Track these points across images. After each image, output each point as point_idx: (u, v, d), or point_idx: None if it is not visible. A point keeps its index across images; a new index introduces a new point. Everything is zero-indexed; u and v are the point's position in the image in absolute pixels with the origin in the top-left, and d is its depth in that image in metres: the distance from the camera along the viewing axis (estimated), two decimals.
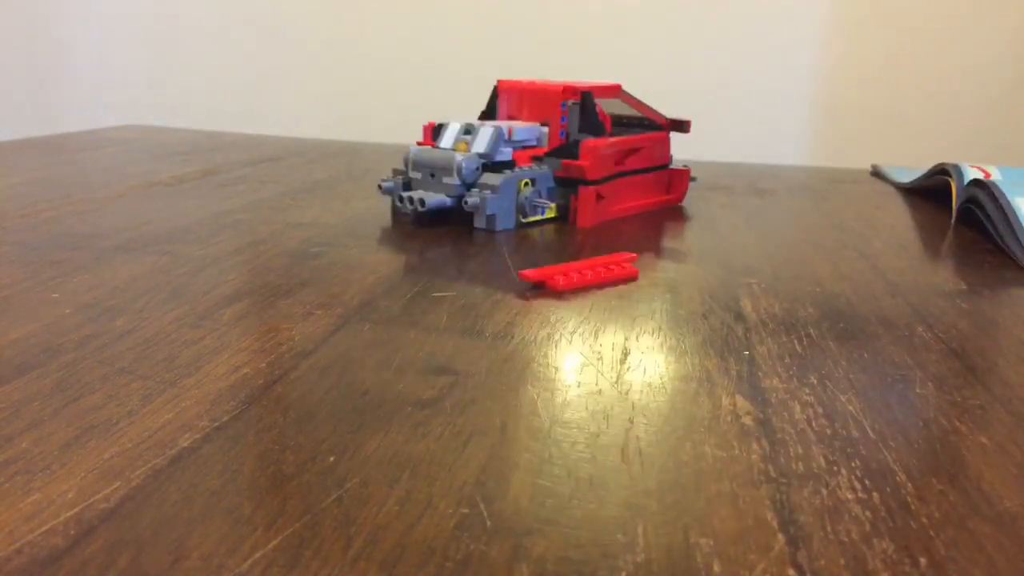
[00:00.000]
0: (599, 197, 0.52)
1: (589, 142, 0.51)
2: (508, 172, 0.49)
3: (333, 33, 1.29)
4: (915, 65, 1.16)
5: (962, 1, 1.13)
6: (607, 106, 0.58)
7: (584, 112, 0.52)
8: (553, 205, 0.51)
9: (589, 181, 0.51)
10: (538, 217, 0.51)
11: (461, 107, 1.21)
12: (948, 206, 0.63)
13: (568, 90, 0.52)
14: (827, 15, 1.17)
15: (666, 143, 0.58)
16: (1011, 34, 1.12)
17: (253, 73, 1.32)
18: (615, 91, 0.55)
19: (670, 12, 1.17)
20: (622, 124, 0.59)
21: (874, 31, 1.16)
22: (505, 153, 0.51)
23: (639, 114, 0.57)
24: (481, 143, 0.50)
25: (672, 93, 1.17)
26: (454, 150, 0.50)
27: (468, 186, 0.49)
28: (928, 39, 1.15)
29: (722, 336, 0.33)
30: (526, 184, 0.50)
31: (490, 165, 0.50)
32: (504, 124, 0.52)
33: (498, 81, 0.57)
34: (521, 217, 0.50)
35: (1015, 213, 0.50)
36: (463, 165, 0.49)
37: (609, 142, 0.52)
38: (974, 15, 1.12)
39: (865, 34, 1.17)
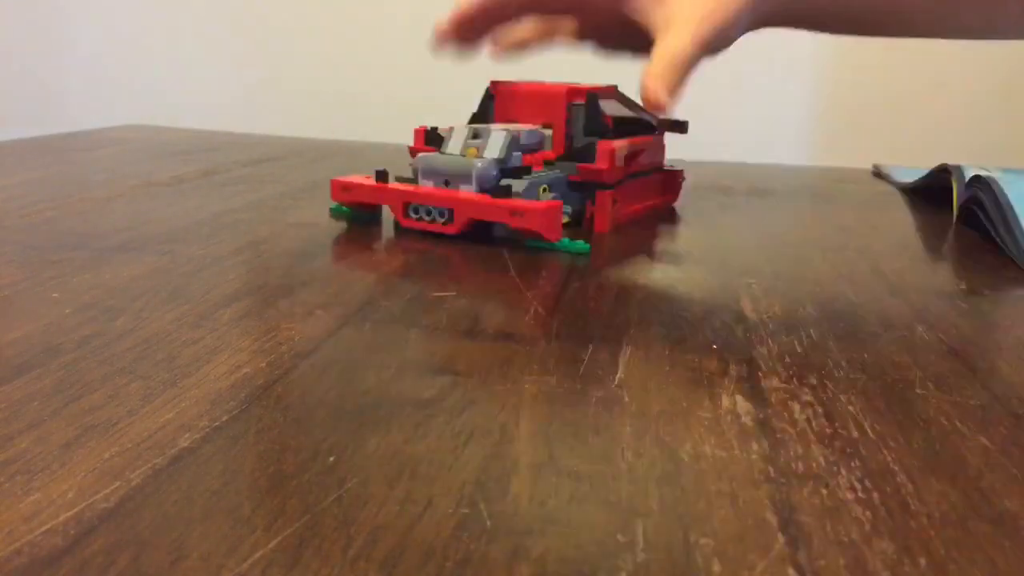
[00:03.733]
0: (614, 201, 0.51)
1: (605, 144, 0.50)
2: (526, 178, 0.47)
3: (333, 33, 1.29)
4: (915, 64, 1.16)
5: None
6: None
7: (590, 114, 0.52)
8: (569, 210, 0.50)
9: (607, 185, 0.50)
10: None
11: (461, 107, 1.21)
12: (949, 207, 0.63)
13: (573, 92, 0.52)
14: None
15: (662, 144, 0.58)
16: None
17: (253, 73, 1.32)
18: (610, 92, 0.54)
19: None
20: (617, 126, 0.58)
21: None
22: (516, 158, 0.49)
23: (633, 115, 0.56)
24: (494, 148, 0.48)
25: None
26: (464, 156, 0.48)
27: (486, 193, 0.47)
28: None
29: (722, 336, 0.33)
30: (544, 190, 0.48)
31: (514, 170, 0.48)
32: (513, 128, 0.50)
33: (491, 82, 0.56)
34: None
35: (1015, 215, 0.50)
36: (483, 173, 0.46)
37: (622, 144, 0.51)
38: None
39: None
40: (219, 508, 0.20)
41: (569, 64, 1.16)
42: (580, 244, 0.45)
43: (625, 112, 0.56)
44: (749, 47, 1.29)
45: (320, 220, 0.51)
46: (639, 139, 0.54)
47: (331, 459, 0.22)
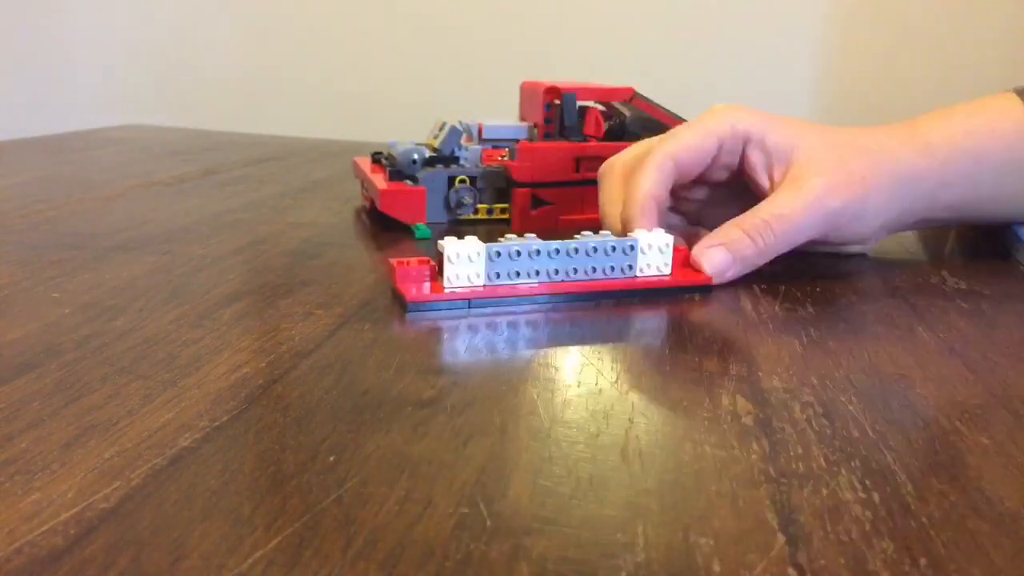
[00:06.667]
0: (543, 202, 0.51)
1: (525, 144, 0.50)
2: (440, 166, 0.51)
3: (333, 33, 1.29)
4: (915, 66, 1.16)
5: (960, 0, 1.13)
6: (630, 110, 0.56)
7: (562, 114, 0.52)
8: (484, 205, 0.52)
9: (520, 183, 0.50)
10: (471, 215, 0.51)
11: (460, 106, 1.21)
12: None
13: (551, 90, 0.52)
14: (827, 16, 1.17)
15: None
16: (1009, 33, 1.12)
17: (253, 73, 1.32)
18: (628, 94, 0.54)
19: (670, 14, 1.17)
20: (628, 129, 0.56)
21: (874, 31, 1.16)
22: (472, 151, 0.52)
23: (654, 120, 0.55)
24: (441, 138, 0.52)
25: (672, 94, 1.17)
26: (425, 145, 0.52)
27: (411, 177, 0.51)
28: (927, 39, 1.15)
29: (722, 336, 0.33)
30: (461, 180, 0.51)
31: (443, 159, 0.51)
32: (476, 122, 0.52)
33: (522, 83, 0.56)
34: (450, 213, 0.51)
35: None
36: (398, 155, 0.51)
37: (555, 146, 0.50)
38: (972, 14, 1.12)
39: (865, 34, 1.17)
40: (219, 508, 0.20)
41: (579, 64, 1.16)
42: (422, 229, 0.48)
43: (643, 115, 0.55)
44: (748, 47, 1.29)
45: (320, 220, 0.51)
46: (602, 144, 0.52)
47: (331, 459, 0.22)
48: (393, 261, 0.36)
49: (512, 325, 0.34)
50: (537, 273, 0.37)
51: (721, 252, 0.40)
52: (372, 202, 0.51)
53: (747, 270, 0.40)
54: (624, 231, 0.41)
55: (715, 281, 0.39)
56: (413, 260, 0.36)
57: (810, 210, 0.40)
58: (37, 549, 0.18)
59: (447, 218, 0.51)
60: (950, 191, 0.44)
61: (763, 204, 0.41)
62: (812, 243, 0.42)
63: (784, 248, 0.41)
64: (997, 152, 0.44)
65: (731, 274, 0.40)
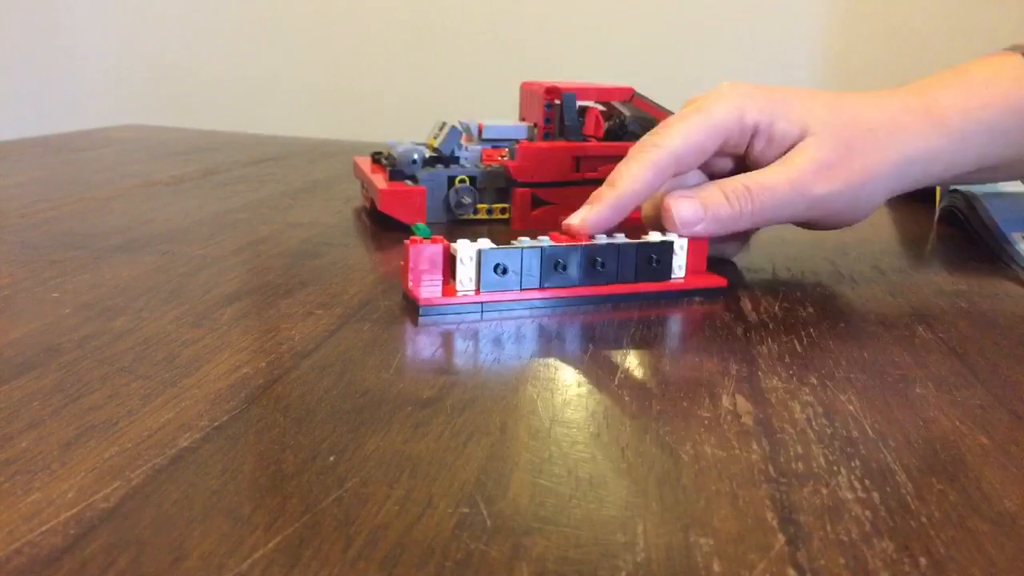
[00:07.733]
0: (543, 202, 0.51)
1: (525, 144, 0.51)
2: (440, 166, 0.51)
3: (333, 33, 1.29)
4: (914, 66, 1.17)
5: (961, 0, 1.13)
6: (630, 110, 0.56)
7: (562, 114, 0.52)
8: (484, 205, 0.51)
9: (520, 183, 0.50)
10: (471, 215, 0.51)
11: (459, 105, 1.21)
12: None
13: (551, 91, 0.52)
14: (827, 14, 1.17)
15: None
16: (1010, 33, 1.12)
17: (253, 73, 1.32)
18: (627, 94, 0.54)
19: (670, 14, 1.17)
20: (628, 129, 0.56)
21: (874, 31, 1.16)
22: (472, 151, 0.52)
23: (653, 119, 0.55)
24: (440, 138, 0.52)
25: (672, 94, 1.17)
26: (425, 145, 0.52)
27: (411, 177, 0.51)
28: (927, 39, 1.15)
29: (722, 336, 0.33)
30: (461, 180, 0.51)
31: (443, 159, 0.51)
32: (476, 122, 0.52)
33: (522, 83, 0.56)
34: (449, 213, 0.51)
35: (1002, 232, 0.49)
36: (398, 155, 0.50)
37: (555, 145, 0.51)
38: (972, 14, 1.12)
39: (865, 34, 1.17)
40: (219, 508, 0.20)
41: (575, 64, 1.16)
42: (422, 229, 0.47)
43: (643, 115, 0.55)
44: (746, 46, 1.29)
45: (320, 220, 0.51)
46: (602, 144, 0.52)
47: (331, 459, 0.22)
48: (406, 242, 0.35)
49: (512, 325, 0.34)
50: (566, 274, 0.36)
51: (693, 204, 0.38)
52: (372, 202, 0.51)
53: (718, 232, 0.39)
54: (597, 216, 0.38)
55: (680, 234, 0.38)
56: (427, 241, 0.35)
57: (793, 188, 0.39)
58: (37, 549, 0.18)
59: (447, 218, 0.51)
60: (958, 167, 0.43)
61: (751, 172, 0.40)
62: (802, 224, 0.42)
63: (761, 220, 0.39)
64: (1009, 124, 0.43)
65: (700, 229, 0.38)
